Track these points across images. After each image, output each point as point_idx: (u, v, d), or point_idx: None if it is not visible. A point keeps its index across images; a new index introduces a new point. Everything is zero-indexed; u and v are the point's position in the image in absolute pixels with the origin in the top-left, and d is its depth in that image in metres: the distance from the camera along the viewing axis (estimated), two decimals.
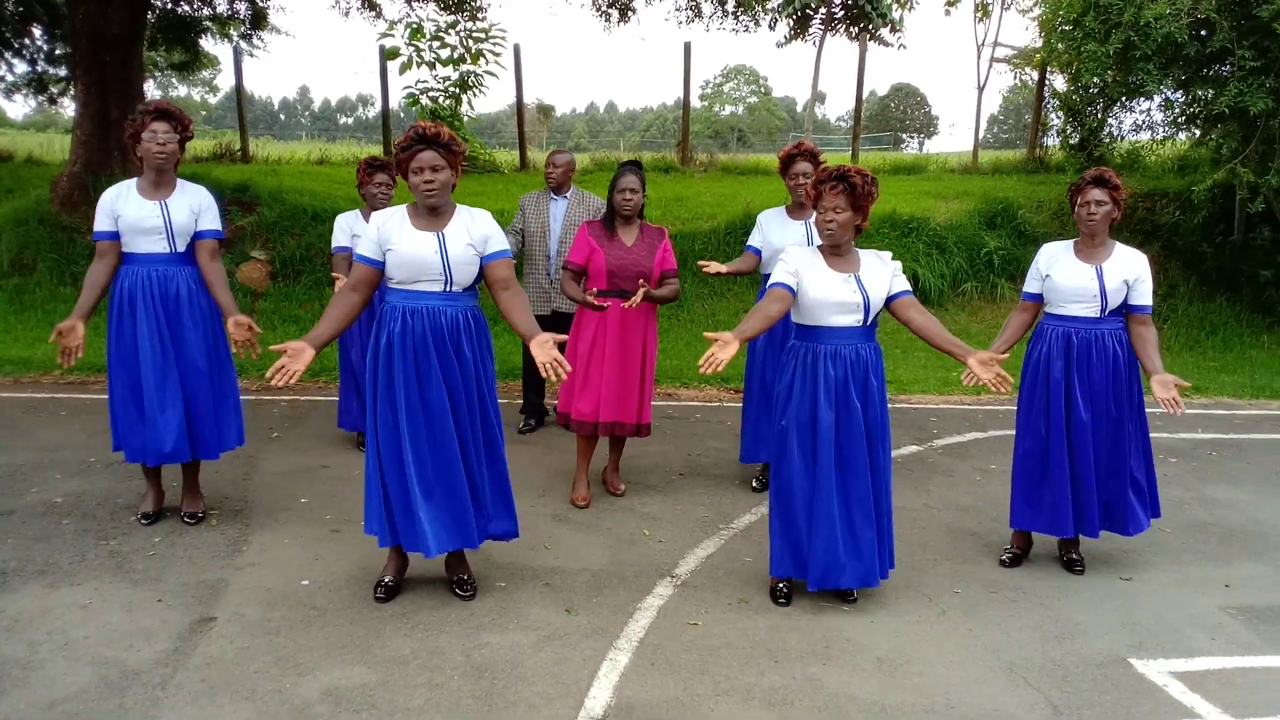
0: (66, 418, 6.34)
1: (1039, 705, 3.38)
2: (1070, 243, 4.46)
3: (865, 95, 16.97)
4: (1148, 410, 4.47)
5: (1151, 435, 4.50)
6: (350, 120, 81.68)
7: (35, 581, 3.96)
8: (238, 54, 14.16)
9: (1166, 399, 4.12)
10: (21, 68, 14.37)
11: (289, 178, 12.08)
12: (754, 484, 5.55)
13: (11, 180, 11.98)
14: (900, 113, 65.82)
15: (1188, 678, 3.60)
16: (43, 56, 14.31)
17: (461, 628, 3.75)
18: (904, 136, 57.70)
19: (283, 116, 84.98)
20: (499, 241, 3.81)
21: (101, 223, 4.41)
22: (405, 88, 13.39)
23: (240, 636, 3.59)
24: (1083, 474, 4.37)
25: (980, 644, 3.81)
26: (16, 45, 13.97)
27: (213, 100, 63.00)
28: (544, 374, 3.59)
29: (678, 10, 13.64)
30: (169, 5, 12.98)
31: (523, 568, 4.34)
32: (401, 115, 16.37)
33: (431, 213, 3.73)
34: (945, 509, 5.35)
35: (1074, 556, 4.60)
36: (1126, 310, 4.37)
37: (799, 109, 75.58)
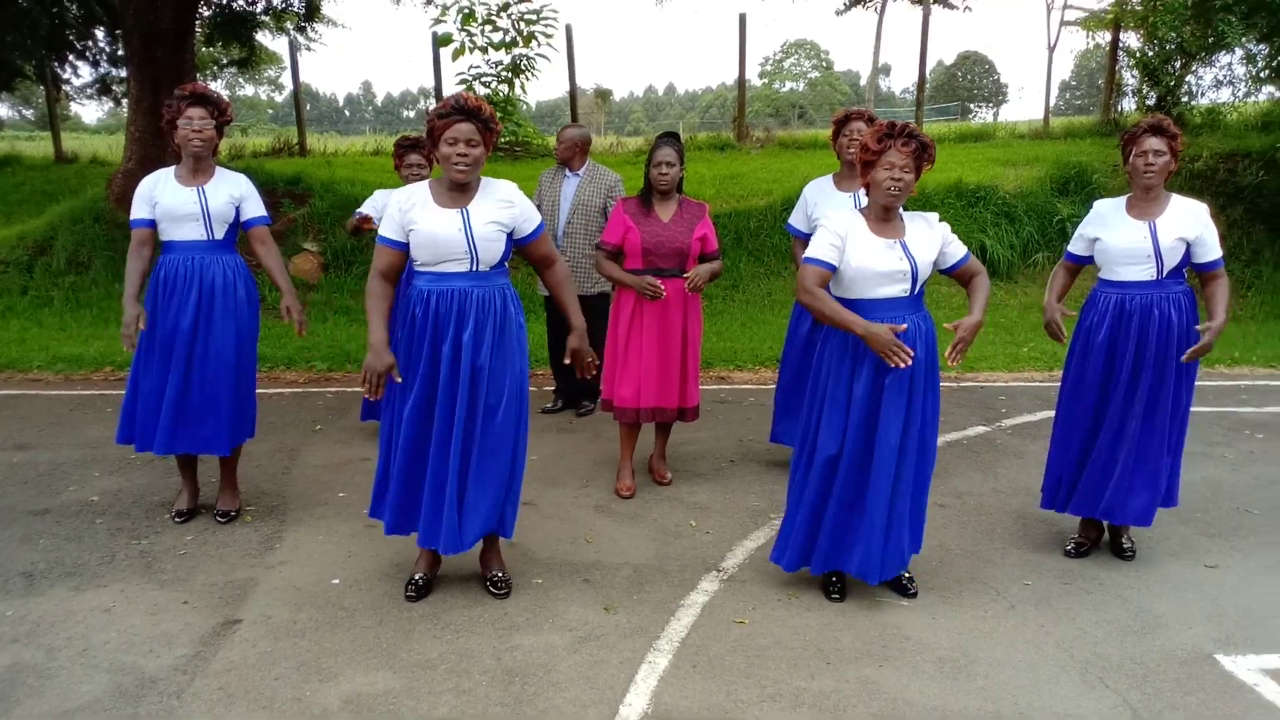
0: (112, 415, 6.25)
1: (1117, 708, 3.09)
2: (1123, 199, 4.10)
3: (932, 65, 16.42)
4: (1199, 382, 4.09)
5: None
6: (412, 114, 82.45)
7: (62, 584, 3.87)
8: (294, 47, 14.24)
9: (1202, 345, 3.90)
10: (86, 70, 14.60)
11: (342, 169, 12.06)
12: None
13: (76, 180, 12.15)
14: (968, 82, 64.18)
15: None
16: (105, 58, 14.50)
17: (493, 628, 3.57)
18: (972, 106, 56.26)
19: (347, 113, 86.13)
20: (532, 218, 3.62)
21: (139, 209, 4.30)
22: (458, 74, 13.33)
23: (264, 640, 3.45)
24: (1117, 452, 4.02)
25: (1052, 641, 3.52)
26: (80, 48, 14.15)
27: (278, 99, 64.02)
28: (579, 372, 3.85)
29: None
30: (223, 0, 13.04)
31: (561, 563, 4.14)
32: None
33: (456, 189, 3.52)
34: (1015, 494, 5.03)
35: (1121, 542, 4.27)
36: (1196, 270, 4.00)
37: (862, 83, 74.21)
